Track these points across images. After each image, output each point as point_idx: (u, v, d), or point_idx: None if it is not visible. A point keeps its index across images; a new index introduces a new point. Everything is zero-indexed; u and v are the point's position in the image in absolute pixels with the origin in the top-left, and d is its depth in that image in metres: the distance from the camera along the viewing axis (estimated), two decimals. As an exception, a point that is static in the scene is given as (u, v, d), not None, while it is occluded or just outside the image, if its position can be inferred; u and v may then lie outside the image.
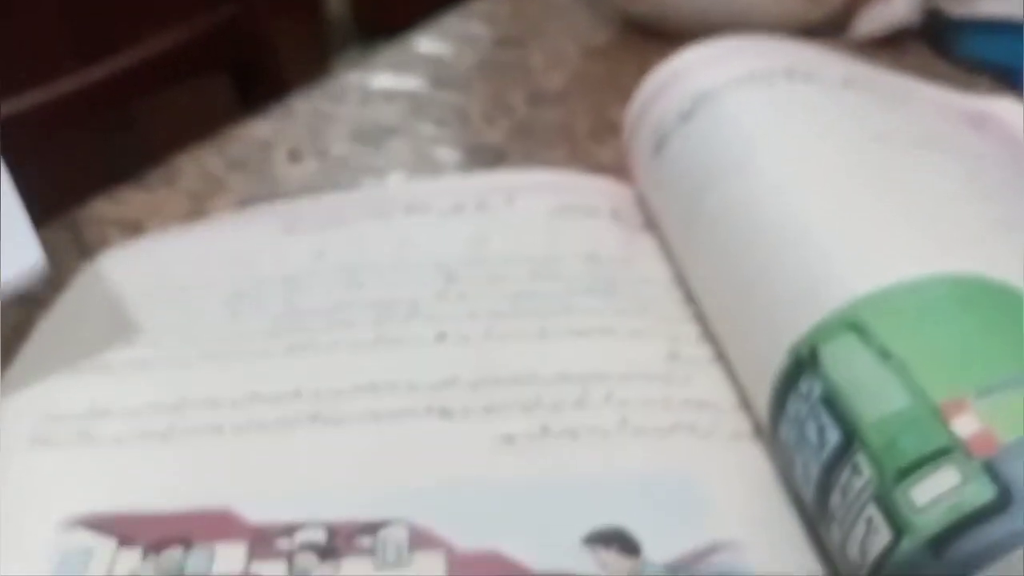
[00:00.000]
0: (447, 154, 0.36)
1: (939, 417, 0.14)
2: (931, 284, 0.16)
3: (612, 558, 0.17)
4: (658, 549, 0.17)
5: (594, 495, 0.19)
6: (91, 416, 0.20)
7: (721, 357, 0.22)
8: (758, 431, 0.20)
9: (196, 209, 0.31)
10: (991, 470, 0.13)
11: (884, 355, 0.15)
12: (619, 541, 0.18)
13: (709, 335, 0.23)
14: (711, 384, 0.21)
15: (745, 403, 0.21)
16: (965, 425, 0.14)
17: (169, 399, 0.21)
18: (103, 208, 0.32)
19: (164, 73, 0.47)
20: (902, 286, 0.16)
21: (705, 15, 0.46)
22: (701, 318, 0.23)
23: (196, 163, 0.35)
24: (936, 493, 0.13)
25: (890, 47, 0.48)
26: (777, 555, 0.17)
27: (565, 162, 0.35)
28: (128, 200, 0.32)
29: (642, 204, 0.28)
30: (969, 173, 0.21)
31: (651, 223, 0.27)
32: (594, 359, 0.22)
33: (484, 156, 0.36)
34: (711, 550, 0.17)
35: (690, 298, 0.24)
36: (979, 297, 0.16)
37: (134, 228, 0.30)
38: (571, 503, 0.18)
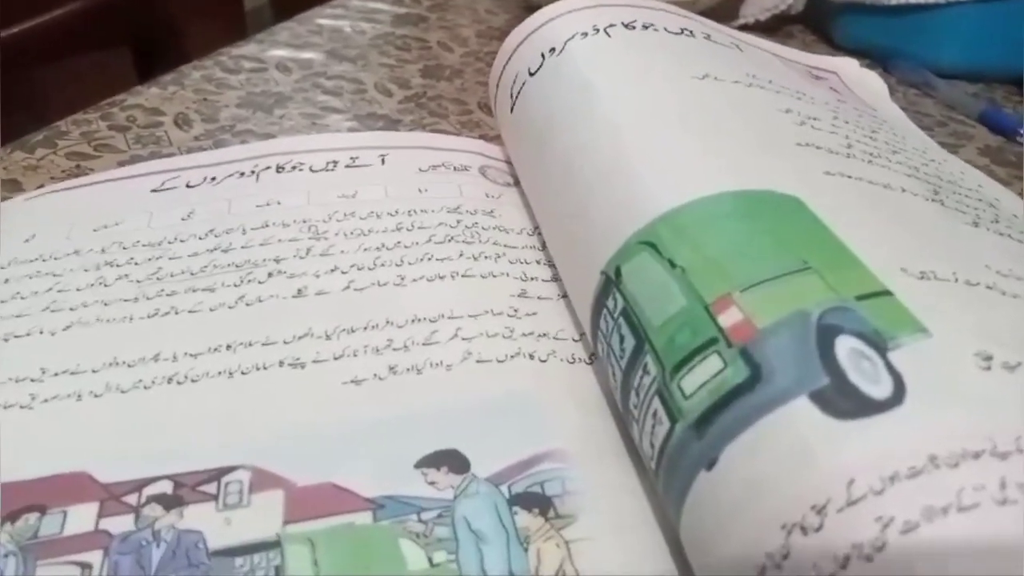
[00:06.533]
0: (339, 121, 0.36)
1: (709, 313, 0.15)
2: (716, 200, 0.17)
3: (441, 477, 0.18)
4: (486, 463, 0.18)
5: (434, 424, 0.19)
6: None
7: (566, 295, 0.23)
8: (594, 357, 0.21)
9: (77, 171, 0.31)
10: (746, 354, 0.14)
11: (670, 266, 0.16)
12: (449, 461, 0.18)
13: (558, 276, 0.24)
14: (554, 317, 0.22)
15: (584, 332, 0.22)
16: (729, 317, 0.15)
17: (30, 371, 0.21)
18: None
19: (63, 43, 0.46)
20: (691, 204, 0.17)
21: None
22: (552, 261, 0.24)
23: (80, 127, 0.34)
24: (702, 380, 0.14)
25: (775, 33, 0.50)
26: (598, 461, 0.18)
27: (455, 131, 0.36)
28: (6, 160, 0.32)
29: (510, 162, 0.29)
30: (787, 107, 0.23)
31: (517, 179, 0.28)
32: (447, 301, 0.23)
33: (376, 124, 0.36)
34: (536, 459, 0.18)
35: (544, 244, 0.25)
36: (761, 208, 0.17)
37: (11, 187, 0.30)
38: (411, 434, 0.19)
